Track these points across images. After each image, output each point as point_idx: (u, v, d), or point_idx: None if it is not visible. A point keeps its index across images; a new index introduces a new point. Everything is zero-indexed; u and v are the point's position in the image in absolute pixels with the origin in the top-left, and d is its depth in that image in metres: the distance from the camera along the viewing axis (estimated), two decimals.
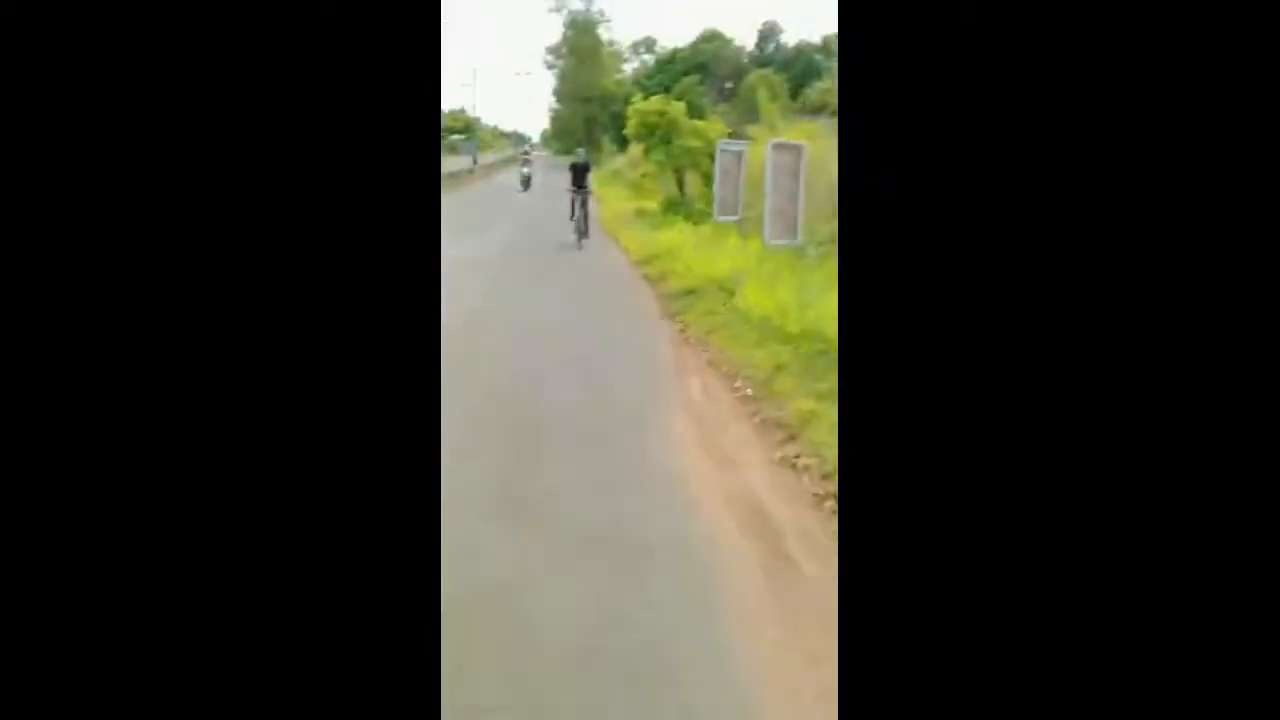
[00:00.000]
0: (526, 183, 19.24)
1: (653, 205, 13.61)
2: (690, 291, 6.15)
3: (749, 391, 3.83)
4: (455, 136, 47.73)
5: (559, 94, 42.09)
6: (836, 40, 0.91)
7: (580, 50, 36.50)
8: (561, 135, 43.18)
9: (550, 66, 40.84)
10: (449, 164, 25.80)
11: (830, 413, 3.11)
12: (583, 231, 9.95)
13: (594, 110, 36.16)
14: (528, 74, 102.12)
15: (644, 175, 15.49)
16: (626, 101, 18.98)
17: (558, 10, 37.53)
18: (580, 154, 11.71)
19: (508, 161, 32.58)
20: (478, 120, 46.02)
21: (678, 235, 9.20)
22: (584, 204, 10.17)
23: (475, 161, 28.95)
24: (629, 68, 38.59)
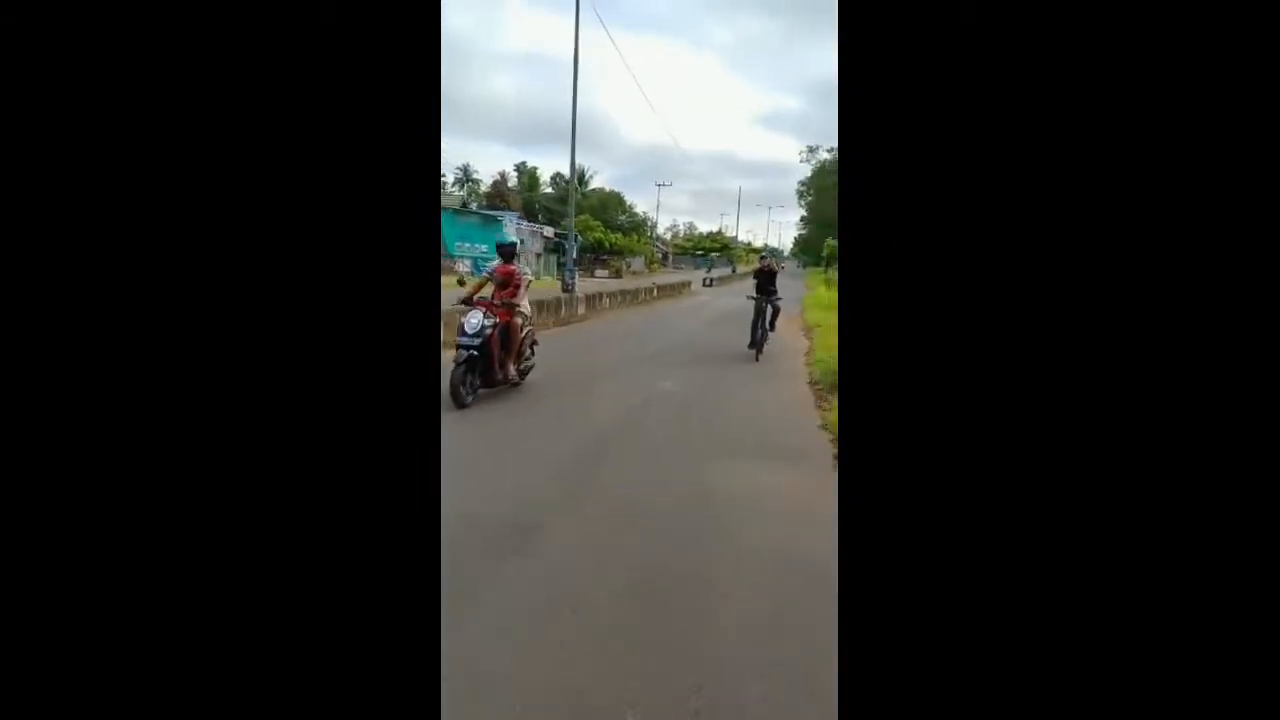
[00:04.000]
0: (709, 283, 29.04)
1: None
2: (822, 306, 16.30)
3: (803, 321, 13.92)
4: (714, 254, 62.54)
5: (804, 219, 54.47)
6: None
7: (821, 189, 47.93)
8: (805, 250, 55.22)
9: (801, 196, 53.22)
10: (713, 273, 38.83)
11: (819, 318, 13.21)
12: (760, 347, 8.34)
13: (831, 233, 47.50)
14: (780, 207, 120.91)
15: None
16: None
17: (808, 160, 50.04)
18: (765, 257, 10.09)
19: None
20: (734, 238, 60.34)
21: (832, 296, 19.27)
22: (768, 316, 8.48)
23: (734, 271, 43.10)
24: None
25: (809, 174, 49.88)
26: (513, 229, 31.15)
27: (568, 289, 14.03)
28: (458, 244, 26.59)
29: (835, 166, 48.49)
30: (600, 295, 15.34)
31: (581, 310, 13.65)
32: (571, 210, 18.91)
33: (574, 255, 17.17)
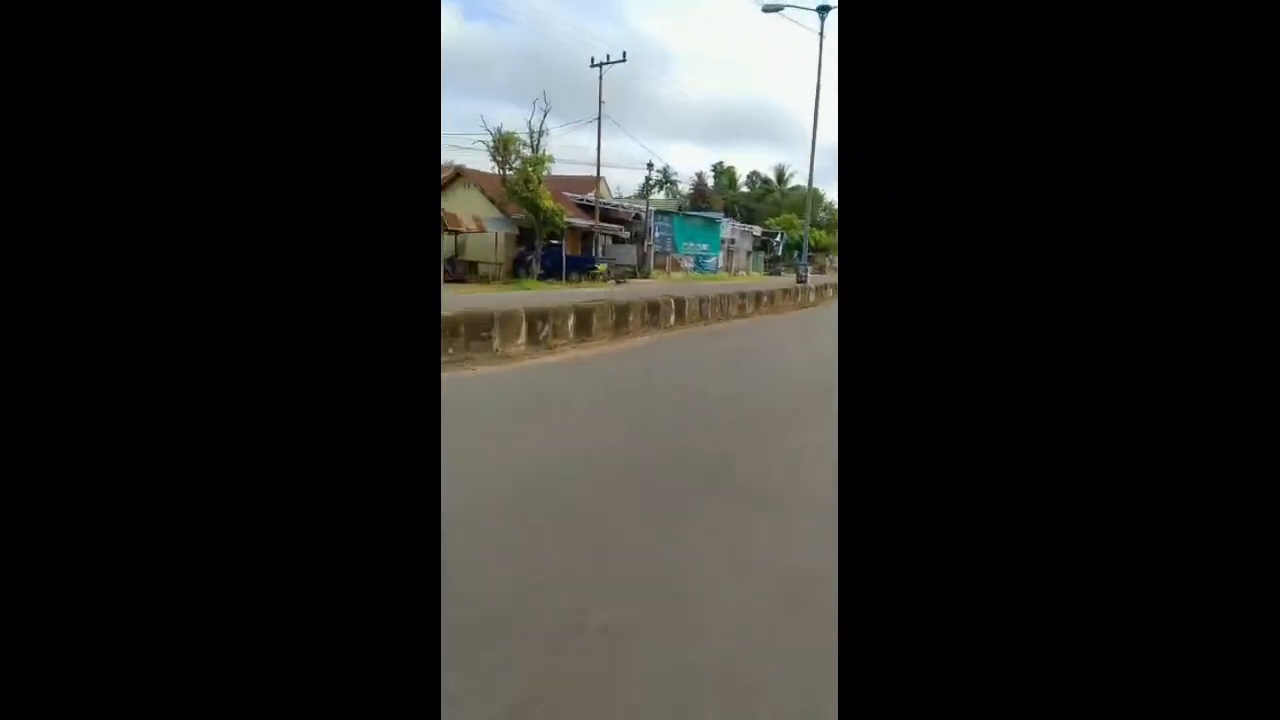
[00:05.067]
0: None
1: None
2: None
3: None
4: None
5: None
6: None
7: None
8: None
9: None
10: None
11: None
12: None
13: None
14: None
15: None
16: None
17: None
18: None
19: None
20: None
21: None
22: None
23: None
24: None
25: None
26: (728, 229, 34.08)
27: (801, 280, 16.65)
28: (685, 243, 30.04)
29: None
30: (826, 287, 17.49)
31: (813, 299, 15.93)
32: (807, 222, 23.03)
33: (807, 255, 20.18)
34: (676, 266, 28.76)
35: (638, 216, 27.46)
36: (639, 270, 25.11)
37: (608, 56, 22.39)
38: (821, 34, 17.16)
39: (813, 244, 44.45)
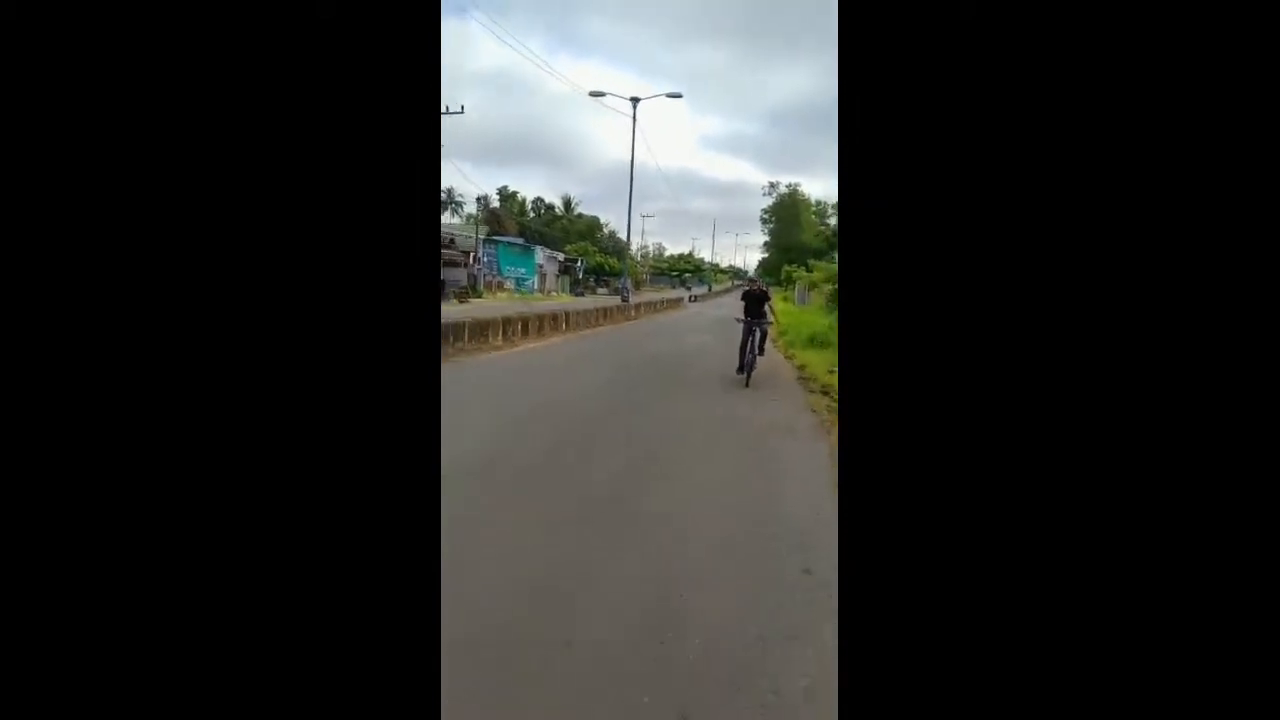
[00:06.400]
0: (694, 299, 37.61)
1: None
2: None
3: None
4: (687, 274, 71.30)
5: (767, 245, 63.08)
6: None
7: (783, 217, 56.36)
8: (768, 272, 63.61)
9: (764, 223, 61.73)
10: (695, 292, 46.73)
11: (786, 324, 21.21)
12: (749, 372, 7.54)
13: (793, 256, 55.59)
14: (745, 232, 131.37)
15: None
16: (819, 253, 36.68)
17: (769, 194, 58.85)
18: (755, 279, 9.73)
19: (730, 290, 53.79)
20: (704, 261, 69.23)
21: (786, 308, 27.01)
22: (756, 339, 7.75)
23: (710, 289, 51.05)
24: (833, 222, 57.94)
25: (771, 204, 58.66)
26: (542, 256, 38.52)
27: (625, 300, 21.87)
28: (508, 267, 33.89)
29: (793, 199, 57.57)
30: (640, 305, 22.90)
31: (634, 314, 21.15)
32: (626, 260, 28.64)
33: (627, 281, 25.65)
34: (501, 287, 32.49)
35: (452, 241, 30.67)
36: (472, 291, 28.36)
37: (446, 107, 25.59)
38: (634, 117, 22.55)
39: (608, 268, 50.87)
